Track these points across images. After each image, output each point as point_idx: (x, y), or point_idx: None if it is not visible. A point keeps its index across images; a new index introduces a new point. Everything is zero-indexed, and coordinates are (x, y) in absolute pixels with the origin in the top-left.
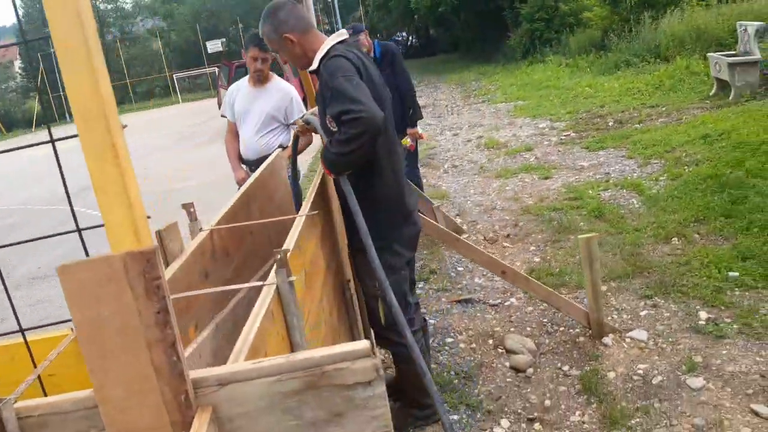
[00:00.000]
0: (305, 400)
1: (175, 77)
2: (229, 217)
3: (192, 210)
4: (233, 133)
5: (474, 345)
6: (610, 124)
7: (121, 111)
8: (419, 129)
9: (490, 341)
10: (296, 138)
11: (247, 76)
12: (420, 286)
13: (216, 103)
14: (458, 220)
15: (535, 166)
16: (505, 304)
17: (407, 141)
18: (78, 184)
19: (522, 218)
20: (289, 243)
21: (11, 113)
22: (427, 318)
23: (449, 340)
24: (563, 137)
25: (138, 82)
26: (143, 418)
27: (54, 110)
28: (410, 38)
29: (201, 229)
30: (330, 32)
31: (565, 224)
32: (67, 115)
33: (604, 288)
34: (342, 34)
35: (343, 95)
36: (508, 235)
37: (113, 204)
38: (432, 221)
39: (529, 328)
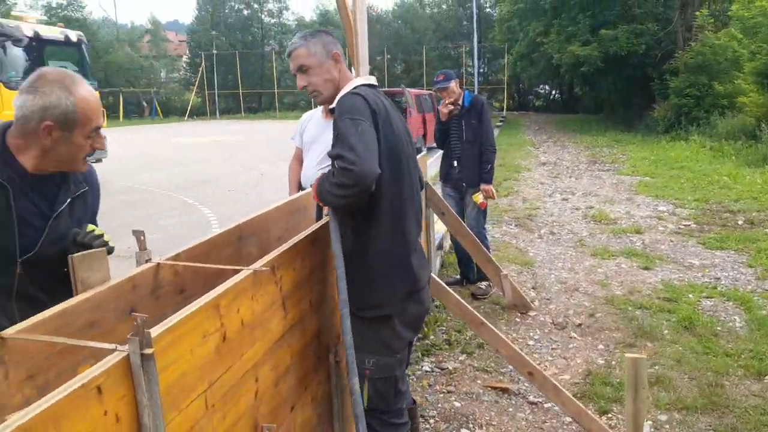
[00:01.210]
0: None
1: None
2: (199, 252)
3: (142, 238)
4: (298, 159)
5: None
6: (740, 222)
7: (266, 116)
8: (492, 187)
9: None
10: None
11: (322, 107)
12: (461, 359)
13: None
14: (531, 294)
15: (638, 252)
16: (545, 405)
17: (479, 197)
18: (198, 178)
19: (602, 308)
20: (191, 307)
21: (171, 101)
22: (453, 399)
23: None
24: (682, 226)
25: (285, 94)
26: None
27: (207, 105)
28: (553, 92)
29: (148, 260)
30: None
31: (646, 328)
32: (217, 112)
33: (663, 417)
34: (370, 78)
35: (344, 139)
36: (579, 325)
37: None
38: (456, 297)
39: None
